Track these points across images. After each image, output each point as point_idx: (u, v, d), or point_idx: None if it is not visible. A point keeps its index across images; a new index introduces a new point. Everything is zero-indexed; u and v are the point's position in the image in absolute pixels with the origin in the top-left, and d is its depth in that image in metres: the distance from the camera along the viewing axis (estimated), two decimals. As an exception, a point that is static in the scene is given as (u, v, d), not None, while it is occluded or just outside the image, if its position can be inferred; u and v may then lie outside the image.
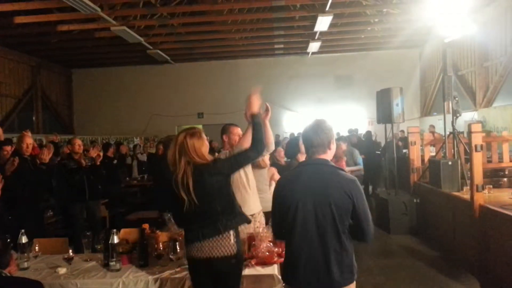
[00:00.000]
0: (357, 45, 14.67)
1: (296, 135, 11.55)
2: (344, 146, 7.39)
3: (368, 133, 11.43)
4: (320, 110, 15.06)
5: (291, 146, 4.28)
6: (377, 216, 7.52)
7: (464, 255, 5.37)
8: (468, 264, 5.19)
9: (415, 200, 6.88)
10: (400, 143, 9.03)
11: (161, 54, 13.85)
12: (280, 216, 2.40)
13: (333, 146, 2.41)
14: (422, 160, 7.47)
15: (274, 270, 3.03)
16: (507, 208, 4.72)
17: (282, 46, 14.88)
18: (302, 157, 4.62)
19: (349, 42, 14.31)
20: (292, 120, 15.55)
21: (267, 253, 3.22)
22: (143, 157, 10.49)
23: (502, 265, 4.54)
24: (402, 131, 11.52)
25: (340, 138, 7.68)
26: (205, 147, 2.76)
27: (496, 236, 4.70)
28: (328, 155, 2.39)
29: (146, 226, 3.42)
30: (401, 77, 14.25)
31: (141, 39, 11.80)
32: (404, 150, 8.87)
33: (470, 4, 7.44)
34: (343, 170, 2.41)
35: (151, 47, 13.09)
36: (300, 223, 2.30)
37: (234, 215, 2.73)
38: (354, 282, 2.31)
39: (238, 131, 4.13)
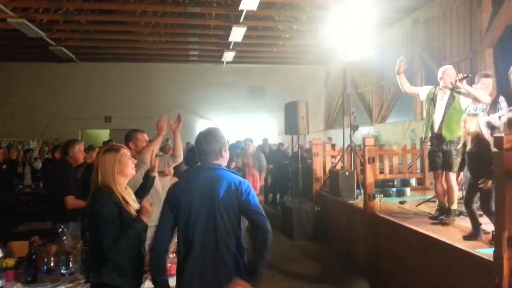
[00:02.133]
0: (269, 58, 15.20)
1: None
2: (251, 148, 7.56)
3: (280, 144, 11.89)
4: (233, 119, 15.27)
5: (191, 153, 4.26)
6: (282, 224, 7.83)
7: (358, 259, 5.83)
8: (361, 267, 5.64)
9: (316, 208, 7.30)
10: (305, 154, 9.52)
11: (65, 52, 12.91)
12: (169, 221, 2.39)
13: (226, 154, 2.48)
14: (325, 170, 7.98)
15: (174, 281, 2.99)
16: (395, 216, 5.25)
17: (197, 53, 14.84)
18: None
19: (262, 54, 14.79)
20: (206, 128, 15.52)
21: (169, 264, 3.17)
22: (38, 165, 9.42)
23: (390, 268, 5.02)
24: (310, 143, 12.20)
25: (247, 140, 7.82)
26: (121, 165, 2.55)
27: (385, 241, 5.19)
28: (221, 162, 2.46)
29: (35, 238, 3.16)
30: (310, 91, 15.11)
31: (43, 34, 10.90)
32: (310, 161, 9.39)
33: (368, 29, 8.21)
34: (235, 172, 2.50)
35: (54, 44, 12.15)
36: (193, 228, 2.33)
37: (104, 268, 2.44)
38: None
39: (144, 137, 4.01)
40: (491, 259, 3.23)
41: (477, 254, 3.46)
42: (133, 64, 15.43)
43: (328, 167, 7.93)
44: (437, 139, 4.71)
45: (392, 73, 11.05)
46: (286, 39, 12.98)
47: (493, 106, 4.96)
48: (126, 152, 2.62)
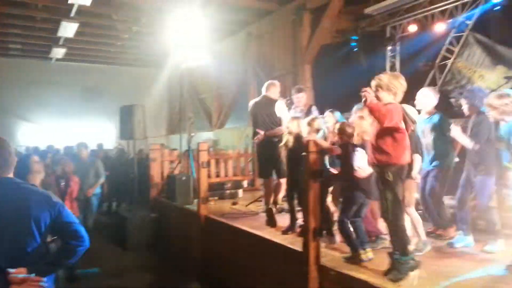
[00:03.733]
0: (107, 57, 14.36)
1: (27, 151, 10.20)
2: (85, 153, 6.97)
3: (121, 150, 11.24)
4: (65, 123, 13.89)
5: (20, 167, 3.61)
6: (116, 234, 7.40)
7: (193, 264, 5.87)
8: (196, 272, 5.70)
9: (152, 215, 7.12)
10: (144, 160, 9.24)
11: None
12: None
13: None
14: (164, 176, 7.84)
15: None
16: (226, 216, 5.50)
17: (19, 46, 13.04)
18: (34, 179, 4.09)
19: (99, 53, 13.88)
20: (30, 132, 13.72)
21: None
22: None
23: (222, 267, 5.21)
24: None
25: (80, 145, 7.16)
26: None
27: (217, 242, 5.37)
28: (12, 175, 2.27)
29: None
30: (151, 95, 14.78)
31: None
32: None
33: (206, 37, 8.48)
34: (34, 185, 2.36)
35: None
36: None
37: None
38: None
39: None
40: (301, 249, 3.65)
41: (288, 246, 3.86)
42: None
43: (166, 173, 7.82)
44: None
45: (230, 81, 11.79)
46: (126, 40, 12.47)
47: (308, 114, 5.66)
48: None
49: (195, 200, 6.44)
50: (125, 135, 7.61)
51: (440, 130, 4.10)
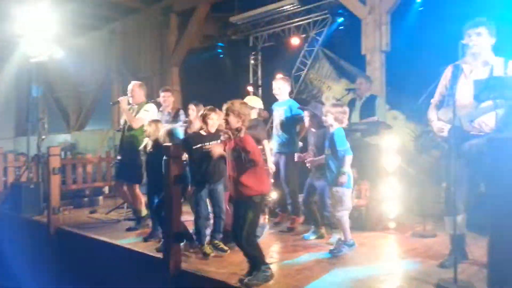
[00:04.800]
0: None
1: None
2: None
3: None
4: None
5: None
6: None
7: (44, 282, 5.27)
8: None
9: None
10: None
11: None
12: None
13: None
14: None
15: None
16: (83, 227, 5.08)
17: None
18: None
19: None
20: None
21: None
22: None
23: (78, 284, 4.77)
24: None
25: None
26: None
27: (72, 256, 4.92)
28: None
29: None
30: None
31: None
32: None
33: (62, 30, 7.71)
34: None
35: None
36: None
37: None
38: None
39: None
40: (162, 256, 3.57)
41: (149, 253, 3.76)
42: None
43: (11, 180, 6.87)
44: None
45: (91, 79, 10.96)
46: (-40, 26, 10.57)
47: (175, 118, 5.60)
48: None
49: (46, 211, 5.84)
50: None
51: (290, 114, 4.69)
